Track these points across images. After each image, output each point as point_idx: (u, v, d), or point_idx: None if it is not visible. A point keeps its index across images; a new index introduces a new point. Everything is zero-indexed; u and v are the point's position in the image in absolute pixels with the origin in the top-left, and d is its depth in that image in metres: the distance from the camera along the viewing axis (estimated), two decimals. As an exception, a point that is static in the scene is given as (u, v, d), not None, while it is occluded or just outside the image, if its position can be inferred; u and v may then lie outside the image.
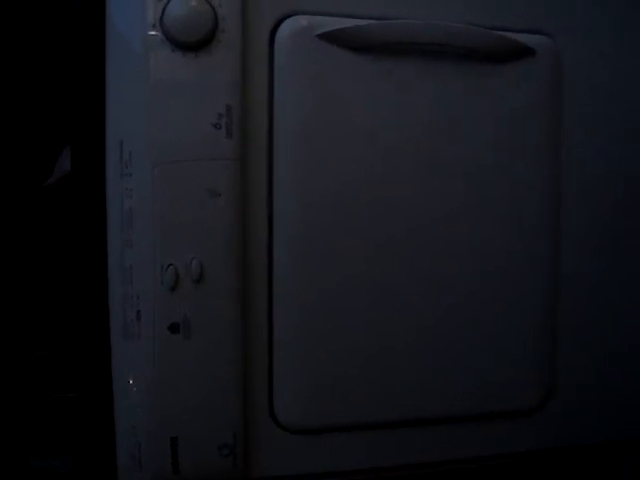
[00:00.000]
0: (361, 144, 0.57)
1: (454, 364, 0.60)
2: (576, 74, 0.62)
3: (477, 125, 0.59)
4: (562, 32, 0.61)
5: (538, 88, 0.61)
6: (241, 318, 0.54)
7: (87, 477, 0.61)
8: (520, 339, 0.62)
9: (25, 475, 0.71)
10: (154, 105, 0.51)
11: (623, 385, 0.66)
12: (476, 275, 0.60)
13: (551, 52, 0.61)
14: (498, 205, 0.60)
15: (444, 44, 0.57)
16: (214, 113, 0.52)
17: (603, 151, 0.64)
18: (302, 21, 0.55)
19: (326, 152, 0.56)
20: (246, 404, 0.55)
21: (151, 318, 0.52)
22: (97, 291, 0.55)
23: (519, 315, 0.62)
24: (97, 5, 0.54)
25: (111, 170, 0.54)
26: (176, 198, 0.52)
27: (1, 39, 0.76)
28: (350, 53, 0.56)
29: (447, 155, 0.59)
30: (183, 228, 0.52)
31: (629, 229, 0.65)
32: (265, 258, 0.56)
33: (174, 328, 0.52)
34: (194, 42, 0.51)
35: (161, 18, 0.51)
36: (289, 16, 0.55)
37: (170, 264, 0.52)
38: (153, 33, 0.51)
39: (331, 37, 0.55)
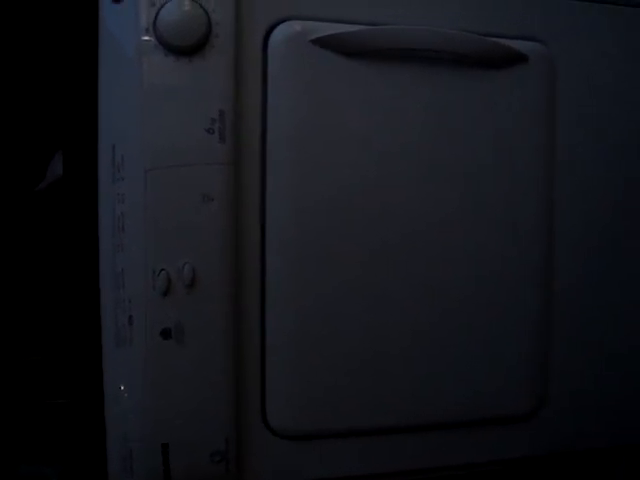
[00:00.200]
0: (355, 149, 0.57)
1: (448, 369, 0.60)
2: (569, 80, 0.62)
3: (471, 130, 0.60)
4: (555, 39, 0.62)
5: (531, 94, 0.61)
6: (234, 323, 0.54)
7: (78, 484, 0.61)
8: (514, 344, 0.62)
9: (15, 482, 0.70)
10: (147, 110, 0.51)
11: (616, 391, 0.66)
12: (470, 280, 0.60)
13: (544, 58, 0.61)
14: (493, 210, 0.61)
15: (438, 50, 0.58)
16: (207, 118, 0.52)
17: (597, 155, 0.64)
18: (296, 26, 0.55)
19: (319, 157, 0.56)
20: (238, 410, 0.55)
21: (143, 323, 0.52)
22: (89, 296, 0.55)
23: (513, 320, 0.62)
24: (90, 9, 0.54)
25: (103, 174, 0.53)
26: (168, 203, 0.51)
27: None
28: (344, 58, 0.56)
29: (441, 160, 0.59)
30: (175, 233, 0.52)
31: (623, 234, 0.65)
32: (258, 263, 0.55)
33: (166, 333, 0.52)
34: (187, 47, 0.51)
35: (154, 23, 0.51)
36: (283, 21, 0.55)
37: (162, 269, 0.51)
38: (146, 38, 0.51)
39: (325, 42, 0.55)
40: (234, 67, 0.53)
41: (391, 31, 0.57)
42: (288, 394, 0.57)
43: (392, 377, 0.59)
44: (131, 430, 0.53)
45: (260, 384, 0.56)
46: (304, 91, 0.55)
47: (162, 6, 0.51)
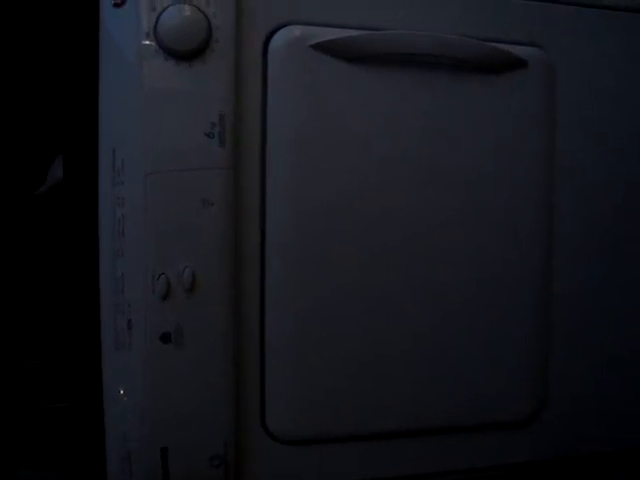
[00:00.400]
0: (354, 153, 0.57)
1: (448, 373, 0.60)
2: (568, 85, 0.62)
3: (471, 135, 0.60)
4: (554, 44, 0.62)
5: (531, 99, 0.61)
6: (233, 326, 0.54)
7: (77, 488, 0.61)
8: (515, 348, 0.62)
9: (15, 486, 0.70)
10: (147, 114, 0.51)
11: (617, 395, 0.66)
12: (471, 284, 0.60)
13: (543, 63, 0.61)
14: (493, 213, 0.61)
15: (438, 55, 0.58)
16: (207, 122, 0.52)
17: (597, 160, 0.64)
18: (295, 31, 0.55)
19: (319, 161, 0.56)
20: (238, 414, 0.54)
21: (142, 327, 0.52)
22: (88, 300, 0.55)
23: (514, 324, 0.62)
24: (91, 13, 0.54)
25: (103, 178, 0.53)
26: (168, 207, 0.52)
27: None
28: (343, 63, 0.56)
29: (441, 164, 0.59)
30: (175, 237, 0.52)
31: (623, 237, 0.66)
32: (258, 266, 0.55)
33: (166, 338, 0.52)
34: (188, 51, 0.51)
35: (155, 27, 0.51)
36: (283, 26, 0.55)
37: (162, 273, 0.51)
38: (147, 42, 0.51)
39: (324, 47, 0.55)
40: (234, 72, 0.53)
41: (391, 36, 0.57)
42: (288, 397, 0.57)
43: (392, 380, 0.59)
44: (130, 433, 0.53)
45: (259, 387, 0.56)
46: (304, 96, 0.55)
47: (163, 10, 0.51)
